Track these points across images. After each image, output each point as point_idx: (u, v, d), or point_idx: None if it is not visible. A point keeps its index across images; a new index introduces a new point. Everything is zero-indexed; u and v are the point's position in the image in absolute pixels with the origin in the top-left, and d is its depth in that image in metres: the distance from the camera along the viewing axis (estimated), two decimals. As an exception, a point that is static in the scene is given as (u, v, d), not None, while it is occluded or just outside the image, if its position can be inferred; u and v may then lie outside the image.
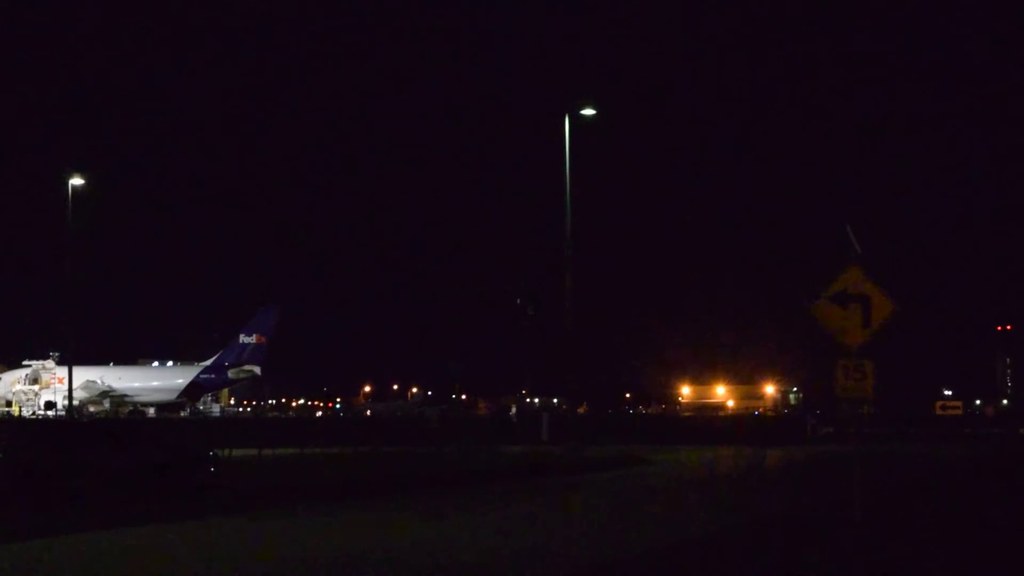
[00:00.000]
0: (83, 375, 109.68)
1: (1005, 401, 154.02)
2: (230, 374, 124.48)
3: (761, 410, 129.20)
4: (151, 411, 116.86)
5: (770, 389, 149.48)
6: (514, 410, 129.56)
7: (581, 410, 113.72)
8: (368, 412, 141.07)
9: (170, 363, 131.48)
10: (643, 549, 21.62)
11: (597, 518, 28.45)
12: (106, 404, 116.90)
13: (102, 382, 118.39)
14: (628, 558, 20.41)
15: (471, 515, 28.91)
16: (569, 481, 42.51)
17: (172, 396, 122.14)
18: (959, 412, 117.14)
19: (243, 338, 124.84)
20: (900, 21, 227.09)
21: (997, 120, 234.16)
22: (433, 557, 20.86)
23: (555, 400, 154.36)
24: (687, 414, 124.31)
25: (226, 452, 43.08)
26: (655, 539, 23.14)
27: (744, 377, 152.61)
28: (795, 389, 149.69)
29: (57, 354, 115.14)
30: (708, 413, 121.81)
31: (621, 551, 21.53)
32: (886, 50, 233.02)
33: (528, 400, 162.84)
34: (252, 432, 67.43)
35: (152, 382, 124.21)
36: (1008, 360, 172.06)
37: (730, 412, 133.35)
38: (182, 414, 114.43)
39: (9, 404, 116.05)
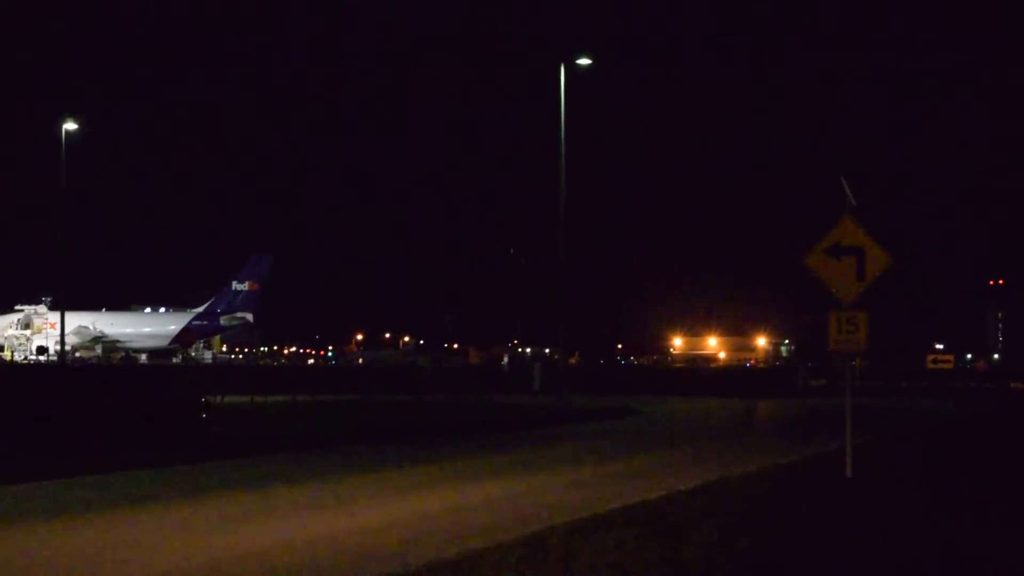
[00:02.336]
0: (75, 320, 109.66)
1: (996, 356, 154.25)
2: (222, 321, 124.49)
3: (753, 362, 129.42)
4: (143, 357, 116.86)
5: (762, 341, 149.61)
6: (506, 360, 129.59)
7: (573, 360, 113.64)
8: (360, 360, 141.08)
9: (162, 309, 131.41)
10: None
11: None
12: (98, 350, 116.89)
13: (94, 328, 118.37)
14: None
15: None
16: (572, 430, 42.78)
17: (164, 342, 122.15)
18: (950, 366, 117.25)
19: (236, 285, 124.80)
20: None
21: (992, 76, 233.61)
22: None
23: (547, 350, 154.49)
24: (679, 365, 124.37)
25: (218, 399, 43.22)
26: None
27: (736, 329, 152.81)
28: (787, 341, 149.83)
29: (49, 299, 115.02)
30: (700, 364, 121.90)
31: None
32: (885, 7, 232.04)
33: (519, 350, 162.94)
34: (244, 379, 67.57)
35: (144, 328, 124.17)
36: (1000, 314, 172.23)
37: (722, 364, 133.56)
38: (174, 360, 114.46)
39: (1, 349, 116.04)
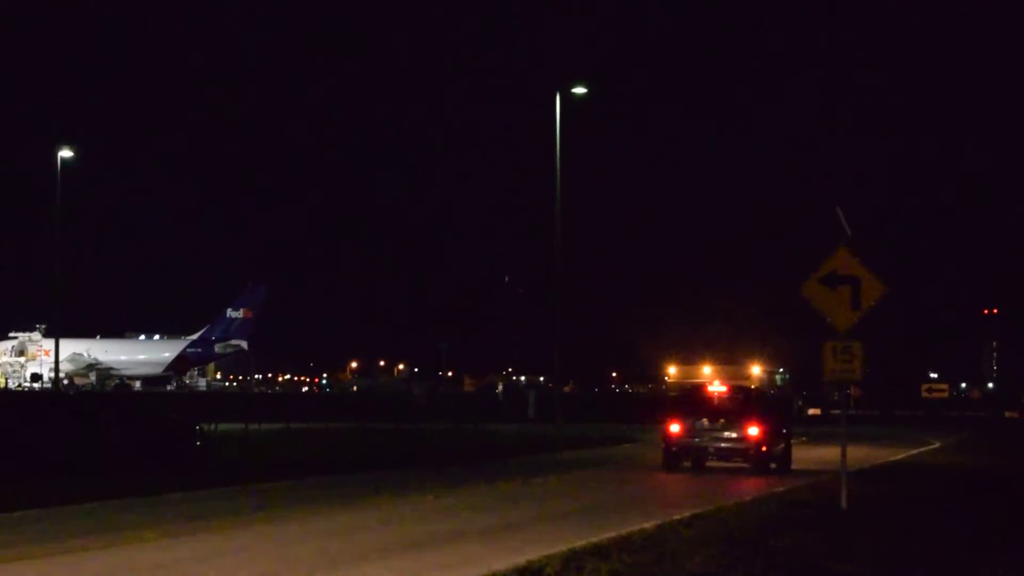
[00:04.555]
0: (69, 347, 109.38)
1: (990, 384, 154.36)
2: (217, 348, 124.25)
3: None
4: (137, 384, 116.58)
5: (756, 370, 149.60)
6: (500, 388, 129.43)
7: (568, 388, 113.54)
8: (354, 388, 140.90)
9: (157, 336, 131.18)
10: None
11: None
12: (92, 377, 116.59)
13: (88, 355, 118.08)
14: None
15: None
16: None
17: (158, 370, 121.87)
18: (945, 395, 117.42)
19: (231, 313, 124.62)
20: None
21: (987, 103, 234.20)
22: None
23: (541, 378, 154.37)
24: (673, 394, 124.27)
25: (212, 427, 43.12)
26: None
27: (730, 357, 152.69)
28: (782, 370, 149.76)
29: (44, 326, 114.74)
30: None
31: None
32: (883, 33, 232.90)
33: (514, 378, 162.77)
34: (238, 407, 67.39)
35: (139, 355, 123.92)
36: (994, 344, 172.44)
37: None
38: (168, 388, 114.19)
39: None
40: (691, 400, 39.78)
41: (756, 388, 39.68)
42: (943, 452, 49.76)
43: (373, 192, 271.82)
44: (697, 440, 36.39)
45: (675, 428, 36.57)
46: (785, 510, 24.25)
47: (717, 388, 40.02)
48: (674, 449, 36.65)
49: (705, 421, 36.33)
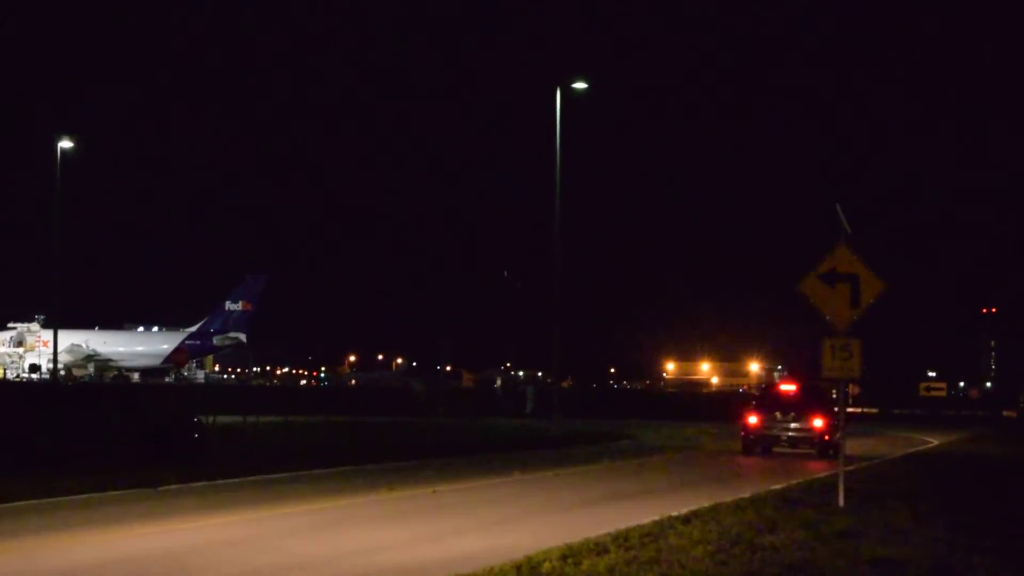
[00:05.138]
0: (68, 339, 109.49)
1: (989, 384, 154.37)
2: (215, 341, 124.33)
3: (746, 387, 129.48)
4: (135, 376, 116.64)
5: (755, 367, 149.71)
6: (499, 383, 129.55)
7: (565, 384, 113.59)
8: (353, 381, 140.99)
9: (155, 328, 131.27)
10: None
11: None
12: (91, 368, 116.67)
13: (87, 346, 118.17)
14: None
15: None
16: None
17: (157, 361, 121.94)
18: (943, 394, 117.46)
19: (229, 305, 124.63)
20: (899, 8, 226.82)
21: (984, 101, 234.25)
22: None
23: (539, 374, 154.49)
24: (671, 390, 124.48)
25: (210, 419, 43.10)
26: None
27: (728, 354, 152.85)
28: (779, 367, 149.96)
29: (42, 317, 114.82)
30: (692, 389, 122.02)
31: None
32: (882, 36, 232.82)
33: (512, 373, 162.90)
34: (236, 399, 67.43)
35: (137, 347, 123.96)
36: (992, 342, 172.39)
37: (714, 389, 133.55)
38: (167, 380, 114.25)
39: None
40: (765, 396, 46.75)
41: (818, 385, 45.06)
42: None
43: (373, 186, 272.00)
44: (771, 430, 43.08)
45: (753, 420, 43.38)
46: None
47: (787, 386, 46.41)
48: (752, 437, 43.33)
49: (778, 414, 43.10)
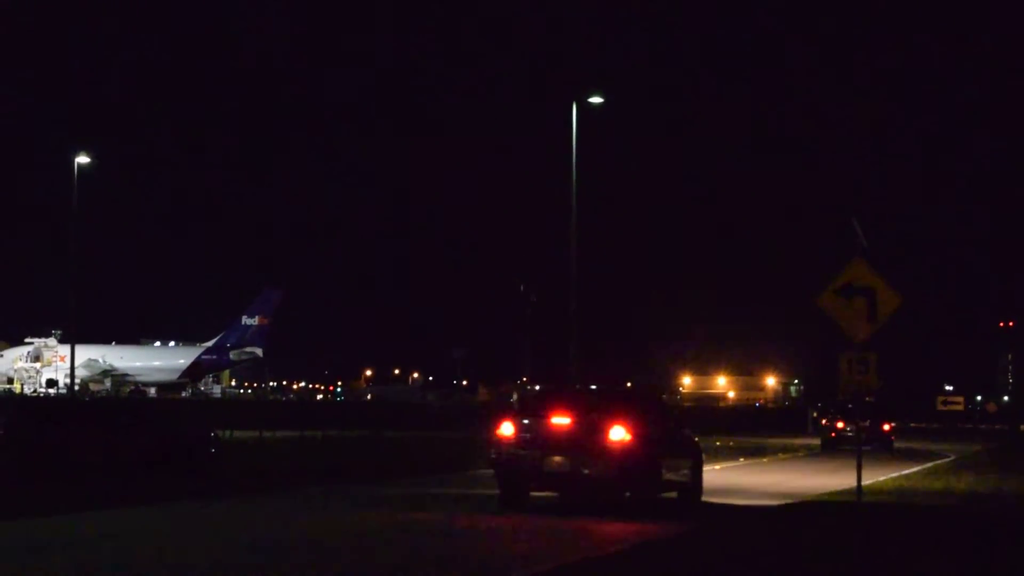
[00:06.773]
0: (85, 354, 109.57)
1: (1006, 398, 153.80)
2: (232, 355, 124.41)
3: (762, 402, 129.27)
4: (152, 391, 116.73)
5: (771, 381, 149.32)
6: (515, 397, 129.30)
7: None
8: (369, 396, 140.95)
9: (172, 343, 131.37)
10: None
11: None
12: (107, 383, 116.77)
13: (104, 361, 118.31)
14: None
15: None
16: None
17: (173, 376, 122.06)
18: (960, 408, 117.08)
19: (246, 320, 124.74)
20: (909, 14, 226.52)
21: (1001, 111, 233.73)
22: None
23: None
24: (687, 404, 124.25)
25: (226, 434, 43.14)
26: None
27: (745, 368, 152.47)
28: (796, 381, 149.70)
29: (59, 332, 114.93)
30: (708, 403, 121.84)
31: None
32: (896, 43, 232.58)
33: (529, 387, 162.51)
34: (253, 414, 67.46)
35: (154, 362, 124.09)
36: (1010, 356, 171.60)
37: (731, 403, 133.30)
38: (183, 395, 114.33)
39: (11, 381, 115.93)
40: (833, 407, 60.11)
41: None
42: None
43: (389, 199, 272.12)
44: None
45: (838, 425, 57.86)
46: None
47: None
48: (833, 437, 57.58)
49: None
